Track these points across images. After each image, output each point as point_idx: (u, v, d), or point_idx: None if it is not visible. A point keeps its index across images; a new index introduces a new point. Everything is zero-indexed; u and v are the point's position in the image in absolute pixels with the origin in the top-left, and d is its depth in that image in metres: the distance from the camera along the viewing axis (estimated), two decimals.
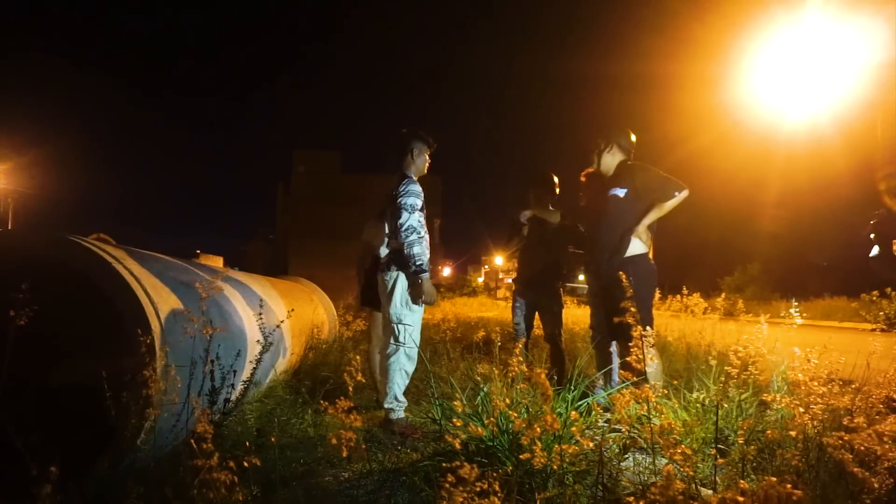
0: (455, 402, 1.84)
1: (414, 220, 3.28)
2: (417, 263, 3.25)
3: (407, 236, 3.25)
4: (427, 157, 3.62)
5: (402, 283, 3.38)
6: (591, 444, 1.77)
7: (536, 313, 4.33)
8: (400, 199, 3.31)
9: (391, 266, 3.41)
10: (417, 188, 3.38)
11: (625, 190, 3.30)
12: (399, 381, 3.31)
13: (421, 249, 3.26)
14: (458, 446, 1.59)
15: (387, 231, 3.55)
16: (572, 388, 2.61)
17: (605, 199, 3.37)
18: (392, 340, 3.37)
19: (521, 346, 2.48)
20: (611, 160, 3.44)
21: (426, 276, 3.28)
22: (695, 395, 2.72)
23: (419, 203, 3.34)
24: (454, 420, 2.17)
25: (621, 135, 3.44)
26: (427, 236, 3.38)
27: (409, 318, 3.36)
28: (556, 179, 4.35)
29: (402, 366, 3.33)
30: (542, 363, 4.55)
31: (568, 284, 4.64)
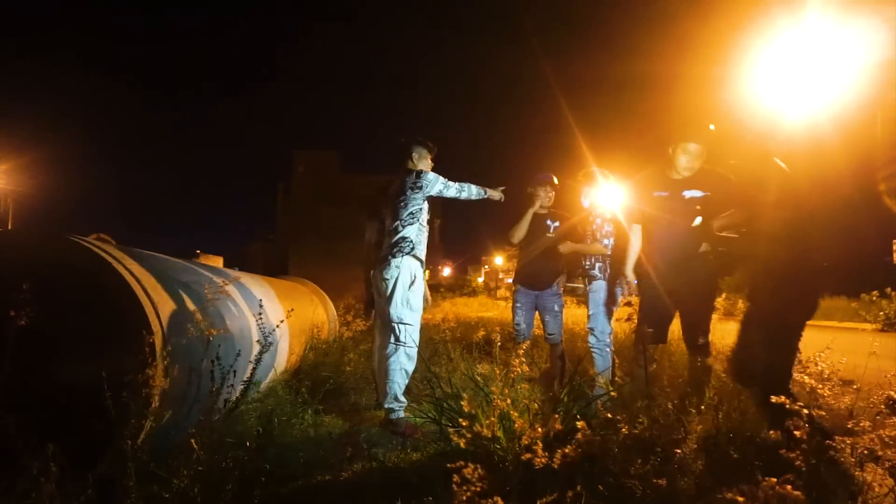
0: (462, 402, 1.84)
1: (450, 185, 3.57)
2: (482, 195, 3.69)
3: (462, 192, 3.60)
4: (429, 161, 3.66)
5: (402, 282, 3.37)
6: (592, 444, 1.77)
7: (537, 313, 4.33)
8: (428, 183, 3.51)
9: (389, 264, 3.40)
10: (432, 174, 3.58)
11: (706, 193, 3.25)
12: (399, 380, 3.31)
13: (471, 191, 3.64)
14: (463, 445, 1.59)
15: (388, 226, 3.57)
16: (572, 388, 2.61)
17: (681, 199, 3.29)
18: (392, 340, 3.37)
19: (524, 346, 2.49)
20: (696, 162, 3.29)
21: (486, 193, 3.71)
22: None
23: (443, 179, 3.58)
24: (461, 420, 2.17)
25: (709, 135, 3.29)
26: (458, 188, 3.63)
27: (409, 317, 3.36)
28: (556, 181, 4.37)
29: (402, 365, 3.33)
30: (542, 363, 4.55)
31: (568, 284, 4.63)
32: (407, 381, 3.39)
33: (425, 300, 3.63)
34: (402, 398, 3.32)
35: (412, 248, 3.42)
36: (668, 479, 1.29)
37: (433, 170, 3.66)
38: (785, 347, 2.54)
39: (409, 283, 3.37)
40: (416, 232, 3.46)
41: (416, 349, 3.41)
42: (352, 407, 3.82)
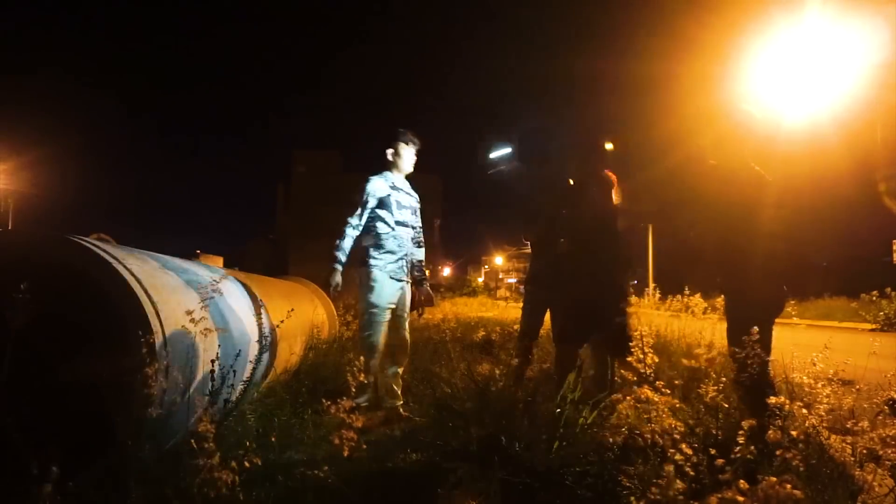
0: (462, 402, 1.84)
1: (353, 213, 3.49)
2: (333, 250, 3.51)
3: (345, 226, 3.55)
4: (407, 155, 3.58)
5: (362, 283, 3.54)
6: (592, 444, 1.77)
7: (547, 311, 4.30)
8: (363, 192, 3.53)
9: (361, 265, 3.56)
10: (364, 185, 3.50)
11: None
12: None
13: (340, 242, 3.47)
14: (461, 446, 1.59)
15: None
16: (574, 388, 2.60)
17: (609, 208, 3.28)
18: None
19: (529, 346, 2.48)
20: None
21: (334, 265, 3.47)
22: (695, 394, 2.72)
23: (359, 198, 3.49)
24: (460, 420, 2.16)
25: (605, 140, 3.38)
26: (359, 227, 3.53)
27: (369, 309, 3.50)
28: (609, 146, 4.23)
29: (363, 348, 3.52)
30: (543, 363, 4.54)
31: None
32: (373, 359, 3.43)
33: (428, 301, 3.70)
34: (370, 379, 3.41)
35: (367, 257, 3.53)
36: (667, 480, 1.29)
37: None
38: (768, 343, 2.56)
39: (366, 283, 3.49)
40: (372, 240, 3.54)
41: (375, 335, 3.46)
42: (352, 407, 3.82)
